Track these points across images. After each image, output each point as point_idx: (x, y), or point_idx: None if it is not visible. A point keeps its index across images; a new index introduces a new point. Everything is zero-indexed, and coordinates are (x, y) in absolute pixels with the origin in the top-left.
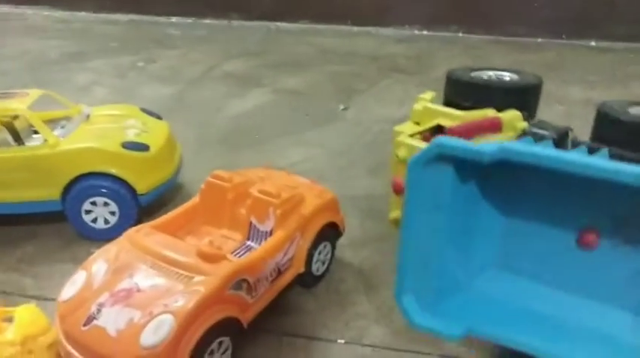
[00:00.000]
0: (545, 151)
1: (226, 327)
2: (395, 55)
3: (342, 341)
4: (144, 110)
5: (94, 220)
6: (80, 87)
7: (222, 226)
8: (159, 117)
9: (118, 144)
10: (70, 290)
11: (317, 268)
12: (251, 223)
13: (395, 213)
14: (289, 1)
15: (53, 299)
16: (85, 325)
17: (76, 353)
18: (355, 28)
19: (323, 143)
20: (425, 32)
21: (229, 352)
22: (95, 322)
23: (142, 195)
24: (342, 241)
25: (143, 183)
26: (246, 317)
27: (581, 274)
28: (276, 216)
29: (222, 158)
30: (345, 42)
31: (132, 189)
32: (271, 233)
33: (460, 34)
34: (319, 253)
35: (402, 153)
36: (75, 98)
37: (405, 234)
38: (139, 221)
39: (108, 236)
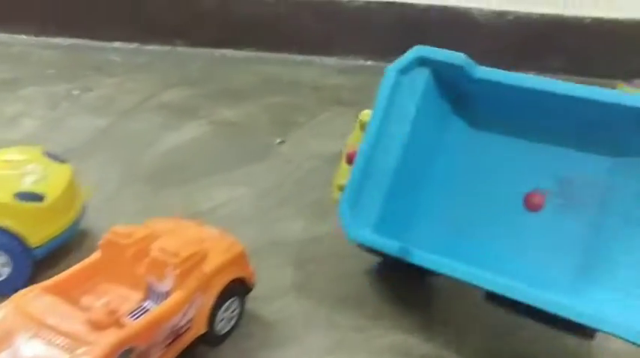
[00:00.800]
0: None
1: None
2: (337, 86)
3: None
4: (47, 153)
5: None
6: (8, 118)
7: (121, 285)
8: (62, 161)
9: (11, 194)
10: None
11: (221, 327)
12: (149, 283)
13: (341, 180)
14: (235, 28)
15: None
16: None
17: None
18: (300, 57)
19: (252, 181)
20: (369, 62)
21: None
22: None
23: (36, 247)
24: (256, 292)
25: (37, 235)
26: None
27: (527, 235)
28: (175, 275)
29: (144, 200)
30: (288, 71)
31: (25, 242)
32: (169, 293)
33: None
34: (224, 311)
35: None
36: (1, 132)
37: (364, 144)
38: (34, 273)
39: (1, 291)
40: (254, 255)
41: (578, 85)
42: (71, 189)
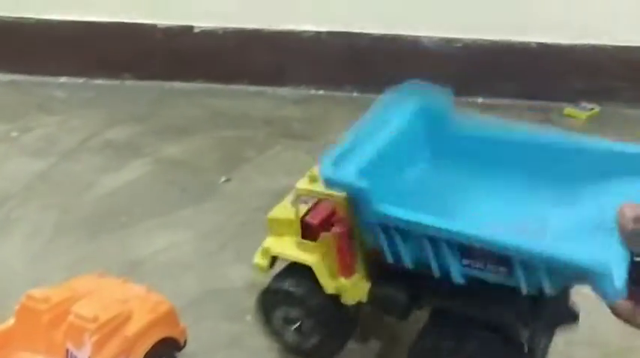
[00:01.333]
0: None
1: None
2: (288, 117)
3: None
4: None
5: None
6: None
7: (38, 352)
8: None
9: None
10: None
11: None
12: (67, 350)
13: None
14: (184, 60)
15: None
16: None
17: None
18: (251, 88)
19: (194, 224)
20: (321, 92)
21: None
22: None
23: None
24: (190, 348)
25: None
26: None
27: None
28: (93, 342)
29: (80, 248)
30: (238, 103)
31: None
32: None
33: (354, 94)
34: None
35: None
36: None
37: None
38: None
39: None
40: (192, 306)
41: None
42: None
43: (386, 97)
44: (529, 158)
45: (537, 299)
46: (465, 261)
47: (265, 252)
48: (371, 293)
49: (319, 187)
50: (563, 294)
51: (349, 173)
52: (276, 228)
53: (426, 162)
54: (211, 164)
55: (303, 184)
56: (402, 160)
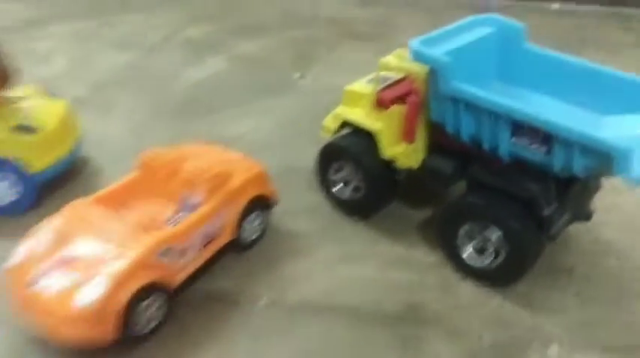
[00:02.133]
0: None
1: (157, 288)
2: (356, 19)
3: (264, 301)
4: (47, 91)
5: None
6: (40, 56)
7: (157, 199)
8: (57, 97)
9: (8, 128)
10: (16, 257)
11: (247, 236)
12: (183, 196)
13: (329, 123)
14: None
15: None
16: (29, 287)
17: (23, 312)
18: None
19: (273, 113)
20: None
21: (162, 310)
22: (37, 285)
23: (37, 173)
24: (279, 210)
25: (37, 163)
26: (174, 281)
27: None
28: (205, 190)
29: (173, 129)
30: (309, 5)
31: (24, 168)
32: (201, 205)
33: None
34: (249, 222)
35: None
36: (35, 70)
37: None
38: (42, 196)
39: (13, 211)
40: (275, 179)
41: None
42: (66, 122)
43: (471, 19)
44: (578, 82)
45: (562, 187)
46: (514, 139)
47: (336, 116)
48: (423, 162)
49: (403, 64)
50: (584, 193)
51: (437, 50)
52: (350, 99)
53: (494, 74)
54: (285, 62)
55: (389, 59)
56: (474, 65)
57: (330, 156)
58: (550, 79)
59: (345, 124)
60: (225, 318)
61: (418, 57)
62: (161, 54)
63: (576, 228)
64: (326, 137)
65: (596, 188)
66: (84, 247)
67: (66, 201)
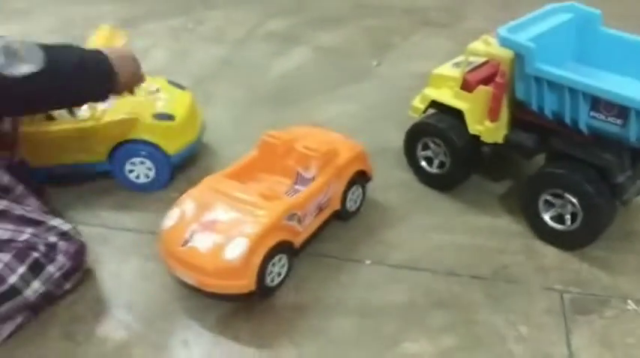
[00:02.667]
0: None
1: (283, 247)
2: (427, 7)
3: (369, 261)
4: (170, 82)
5: (137, 176)
6: (139, 51)
7: (275, 174)
8: (183, 88)
9: (150, 115)
10: (168, 222)
11: (350, 206)
12: (298, 172)
13: (417, 103)
14: None
15: (150, 233)
16: (182, 246)
17: (178, 267)
18: None
19: (357, 99)
20: None
21: (286, 267)
22: (190, 243)
23: (172, 155)
24: (372, 186)
25: (172, 147)
26: (297, 241)
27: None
28: (317, 166)
29: (269, 116)
30: None
31: (163, 151)
32: (313, 179)
33: None
34: (351, 194)
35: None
36: None
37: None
38: (172, 176)
39: (149, 188)
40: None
41: None
42: (193, 110)
43: (551, 7)
44: None
45: (635, 159)
46: (592, 113)
47: (424, 97)
48: (507, 137)
49: (490, 49)
50: None
51: (522, 37)
52: (437, 81)
53: (573, 56)
54: (362, 50)
55: (477, 44)
56: (555, 48)
57: (417, 134)
58: (624, 59)
59: (429, 106)
60: (336, 275)
61: (505, 43)
62: (248, 47)
63: None
64: (413, 117)
65: None
66: (221, 213)
67: (192, 178)
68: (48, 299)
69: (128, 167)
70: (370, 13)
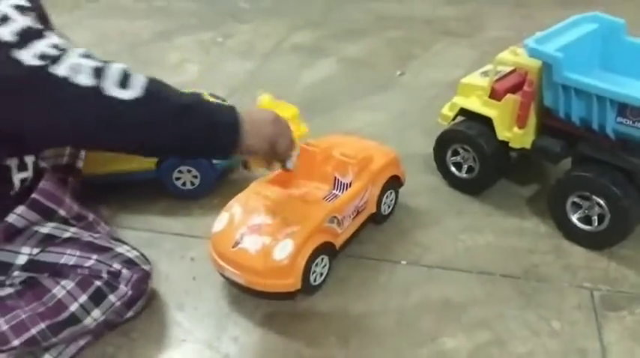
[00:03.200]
0: None
1: (325, 248)
2: (446, 17)
3: (404, 262)
4: (212, 95)
5: (183, 184)
6: (173, 65)
7: (313, 180)
8: (224, 101)
9: None
10: (218, 225)
11: (384, 209)
12: (335, 177)
13: (446, 110)
14: None
15: (196, 236)
16: (233, 247)
17: (228, 267)
18: None
19: (383, 108)
20: None
21: (327, 267)
22: (240, 245)
23: (216, 164)
24: (402, 191)
25: None
26: (337, 242)
27: None
28: (354, 172)
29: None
30: (400, 7)
31: (209, 160)
32: (351, 184)
33: None
34: (386, 198)
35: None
36: (170, 76)
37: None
38: (215, 183)
39: (195, 194)
40: None
41: None
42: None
43: (577, 17)
44: None
45: None
46: (619, 119)
47: (453, 105)
48: (534, 142)
49: (519, 59)
50: None
51: (549, 47)
52: (465, 90)
53: (599, 64)
54: (386, 61)
55: (505, 55)
56: (581, 56)
57: (447, 141)
58: None
59: (457, 114)
60: (374, 275)
61: (534, 53)
62: (276, 59)
63: None
64: (443, 124)
65: None
66: (268, 217)
67: (232, 186)
68: (109, 327)
69: (175, 175)
70: (392, 24)
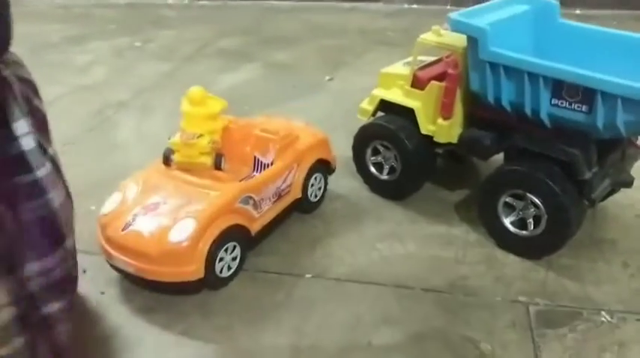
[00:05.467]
0: None
1: (237, 232)
2: (383, 29)
3: (309, 275)
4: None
5: None
6: (80, 67)
7: (232, 161)
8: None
9: None
10: (109, 206)
11: (312, 195)
12: (255, 157)
13: (366, 105)
14: None
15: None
16: (123, 230)
17: (117, 254)
18: (346, 4)
19: (307, 111)
20: (414, 6)
21: (239, 257)
22: (131, 227)
23: None
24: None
25: None
26: (253, 228)
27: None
28: (276, 150)
29: None
30: (335, 18)
31: None
32: (272, 164)
33: (448, 7)
34: (313, 183)
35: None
36: (74, 77)
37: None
38: None
39: None
40: None
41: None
42: None
43: None
44: (612, 50)
45: (602, 153)
46: (554, 101)
47: (373, 99)
48: (462, 136)
49: (442, 39)
50: (623, 160)
51: (476, 22)
52: (386, 81)
53: (531, 49)
54: (315, 67)
55: (427, 35)
56: (511, 39)
57: (366, 138)
58: (585, 51)
59: (378, 108)
60: (271, 292)
61: (457, 26)
62: (197, 63)
63: (616, 205)
64: (362, 120)
65: (636, 156)
66: (169, 196)
67: None
68: None
69: None
70: (326, 34)
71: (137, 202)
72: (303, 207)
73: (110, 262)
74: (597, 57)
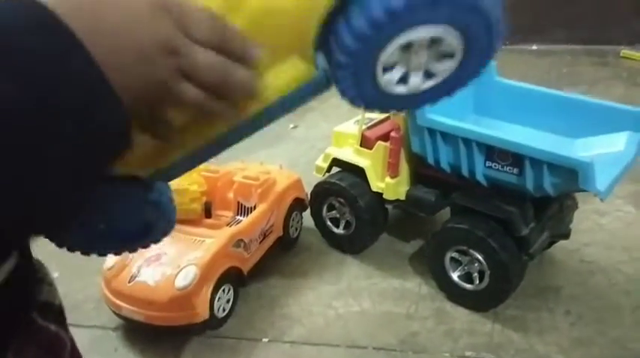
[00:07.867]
0: None
1: (232, 274)
2: None
3: (266, 339)
4: None
5: None
6: None
7: (215, 208)
8: None
9: None
10: (110, 261)
11: (292, 233)
12: (238, 202)
13: (320, 162)
14: None
15: None
16: (129, 282)
17: (125, 305)
18: None
19: (271, 161)
20: None
21: (232, 299)
22: (137, 279)
23: None
24: (279, 251)
25: None
26: (245, 268)
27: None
28: (258, 194)
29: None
30: None
31: None
32: (255, 208)
33: None
34: (292, 221)
35: None
36: None
37: None
38: None
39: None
40: None
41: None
42: None
43: None
44: (548, 110)
45: (540, 209)
46: (488, 163)
47: (327, 156)
48: (408, 193)
49: None
50: (561, 213)
51: None
52: (339, 140)
53: (470, 108)
54: None
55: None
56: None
57: (321, 195)
58: (521, 108)
59: (332, 165)
60: (230, 355)
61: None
62: None
63: (562, 251)
64: (318, 177)
65: (573, 207)
66: (168, 246)
67: None
68: None
69: None
70: None
71: (139, 254)
72: (284, 243)
73: (117, 312)
74: (533, 114)
